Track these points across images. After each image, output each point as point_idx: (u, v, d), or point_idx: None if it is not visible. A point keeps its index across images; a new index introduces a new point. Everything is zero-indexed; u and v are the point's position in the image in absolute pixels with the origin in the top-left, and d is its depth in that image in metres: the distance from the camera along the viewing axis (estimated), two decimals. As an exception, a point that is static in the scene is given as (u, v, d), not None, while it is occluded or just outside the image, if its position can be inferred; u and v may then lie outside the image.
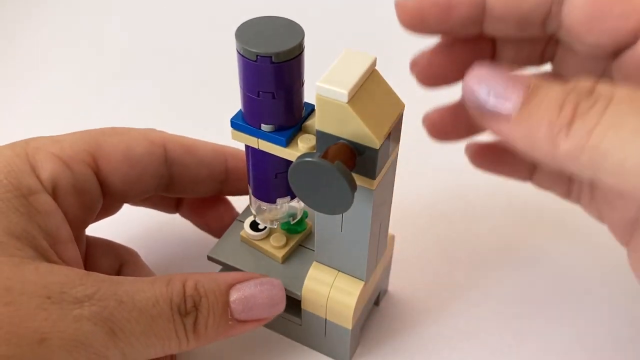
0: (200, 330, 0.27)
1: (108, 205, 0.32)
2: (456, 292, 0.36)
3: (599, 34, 0.24)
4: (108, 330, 0.24)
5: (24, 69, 0.52)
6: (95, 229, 0.32)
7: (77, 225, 0.29)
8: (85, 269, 0.27)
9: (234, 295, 0.28)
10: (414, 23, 0.25)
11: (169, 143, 0.32)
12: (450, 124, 0.29)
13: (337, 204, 0.24)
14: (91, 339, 0.24)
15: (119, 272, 0.32)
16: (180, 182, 0.32)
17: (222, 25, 0.55)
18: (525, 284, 0.36)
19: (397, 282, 0.36)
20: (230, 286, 0.28)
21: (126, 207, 0.34)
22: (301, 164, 0.23)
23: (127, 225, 0.36)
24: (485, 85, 0.22)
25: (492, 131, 0.23)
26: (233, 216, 0.35)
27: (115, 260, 0.32)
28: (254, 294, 0.28)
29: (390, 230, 0.32)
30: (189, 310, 0.26)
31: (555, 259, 0.37)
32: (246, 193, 0.34)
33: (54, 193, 0.27)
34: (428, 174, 0.42)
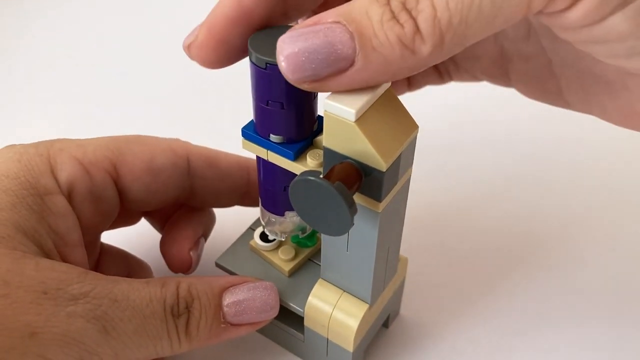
0: (192, 332, 0.27)
1: (127, 214, 0.32)
2: (470, 317, 0.34)
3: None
4: (101, 328, 0.24)
5: (43, 70, 0.53)
6: (113, 238, 0.33)
7: (91, 231, 0.29)
8: None
9: (227, 299, 0.28)
10: (217, 52, 0.24)
11: (193, 155, 0.31)
12: None
13: (336, 225, 0.23)
14: (83, 336, 0.24)
15: None
16: (202, 194, 0.32)
17: None
18: (540, 305, 0.35)
19: (410, 305, 0.35)
20: (224, 289, 0.28)
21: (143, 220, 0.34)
22: (301, 182, 0.22)
23: (140, 233, 0.36)
24: (307, 55, 0.20)
25: (337, 87, 0.21)
26: (183, 249, 0.32)
27: (125, 270, 0.32)
28: (247, 298, 0.28)
29: (405, 254, 0.31)
30: (181, 312, 0.26)
31: (573, 275, 0.36)
32: None
33: (70, 196, 0.28)
34: (442, 197, 0.41)
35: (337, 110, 0.22)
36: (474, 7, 0.20)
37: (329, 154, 0.24)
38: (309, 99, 0.25)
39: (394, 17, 0.20)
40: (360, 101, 0.22)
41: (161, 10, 0.59)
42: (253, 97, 0.25)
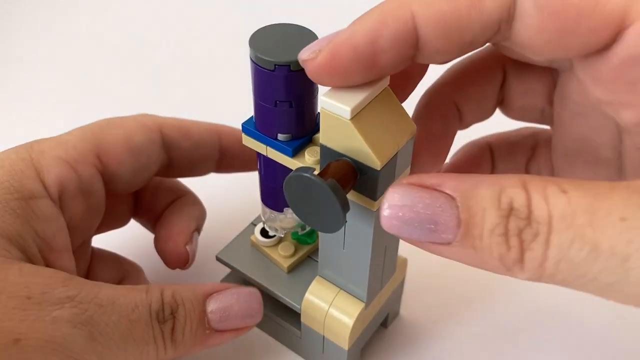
0: (177, 338, 0.27)
1: (116, 212, 0.32)
2: (470, 318, 0.34)
3: (562, 51, 0.21)
4: (87, 333, 0.24)
5: (25, 67, 0.52)
6: (104, 242, 0.33)
7: (82, 231, 0.29)
8: (87, 279, 0.26)
9: (211, 306, 0.28)
10: (333, 79, 0.22)
11: (165, 127, 0.31)
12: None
13: (329, 222, 0.23)
14: (69, 342, 0.23)
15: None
16: (178, 165, 0.32)
17: (225, 25, 0.54)
18: (540, 306, 0.35)
19: (410, 306, 0.35)
20: (207, 296, 0.28)
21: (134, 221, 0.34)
22: (294, 178, 0.22)
23: (130, 237, 0.36)
24: (409, 222, 0.19)
25: (429, 251, 0.20)
26: (178, 244, 0.32)
27: (117, 273, 0.32)
28: (231, 304, 0.28)
29: (406, 254, 0.31)
30: (166, 318, 0.26)
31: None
32: (242, 170, 0.34)
33: (61, 197, 0.27)
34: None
35: (333, 107, 0.22)
36: (578, 274, 0.18)
37: (325, 151, 0.24)
38: (313, 96, 0.25)
39: (506, 234, 0.19)
40: (357, 99, 0.22)
41: (159, 6, 0.60)
42: (256, 98, 0.25)
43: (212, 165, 0.33)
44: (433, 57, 0.22)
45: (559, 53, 0.21)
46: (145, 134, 0.30)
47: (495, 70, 0.27)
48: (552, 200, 0.18)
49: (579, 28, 0.20)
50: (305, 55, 0.22)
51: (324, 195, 0.22)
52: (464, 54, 0.23)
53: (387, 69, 0.22)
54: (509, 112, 0.28)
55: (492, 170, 0.29)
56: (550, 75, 0.26)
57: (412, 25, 0.21)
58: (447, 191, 0.19)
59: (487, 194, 0.19)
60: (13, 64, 0.53)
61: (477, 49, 0.23)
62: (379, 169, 0.23)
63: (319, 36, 0.25)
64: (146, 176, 0.31)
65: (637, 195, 0.18)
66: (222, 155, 0.33)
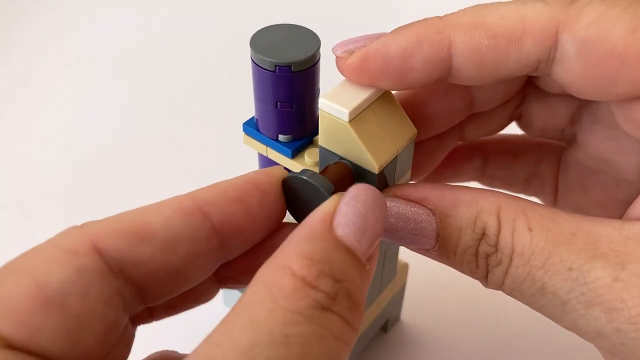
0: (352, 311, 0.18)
1: None
2: (472, 324, 0.34)
3: (601, 96, 0.21)
4: None
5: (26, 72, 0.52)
6: None
7: None
8: None
9: (341, 230, 0.19)
10: (361, 81, 0.22)
11: (104, 239, 0.18)
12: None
13: (325, 226, 0.23)
14: None
15: None
16: (153, 291, 0.19)
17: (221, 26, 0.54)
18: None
19: (411, 311, 0.34)
20: (330, 224, 0.19)
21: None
22: (291, 179, 0.22)
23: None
24: (393, 231, 0.22)
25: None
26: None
27: None
28: (360, 212, 0.19)
29: (408, 259, 0.31)
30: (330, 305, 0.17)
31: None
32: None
33: None
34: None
35: (331, 109, 0.22)
36: (527, 302, 0.21)
37: (324, 153, 0.24)
38: (316, 97, 0.25)
39: (476, 255, 0.21)
40: (356, 101, 0.22)
41: (159, 6, 0.59)
42: (257, 99, 0.25)
43: (209, 263, 0.20)
44: (464, 82, 0.22)
45: (597, 97, 0.21)
46: (68, 268, 0.17)
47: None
48: (517, 236, 0.20)
49: (621, 79, 0.20)
50: (338, 52, 0.22)
51: (319, 198, 0.22)
52: (497, 82, 0.24)
53: (416, 85, 0.22)
54: (527, 131, 0.28)
55: (482, 174, 0.29)
56: (576, 98, 0.26)
57: (447, 53, 0.21)
58: (429, 206, 0.21)
59: (464, 215, 0.21)
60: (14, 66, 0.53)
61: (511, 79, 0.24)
62: (376, 172, 0.23)
63: (320, 37, 0.25)
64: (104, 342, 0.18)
65: (591, 247, 0.19)
66: (219, 239, 0.20)
